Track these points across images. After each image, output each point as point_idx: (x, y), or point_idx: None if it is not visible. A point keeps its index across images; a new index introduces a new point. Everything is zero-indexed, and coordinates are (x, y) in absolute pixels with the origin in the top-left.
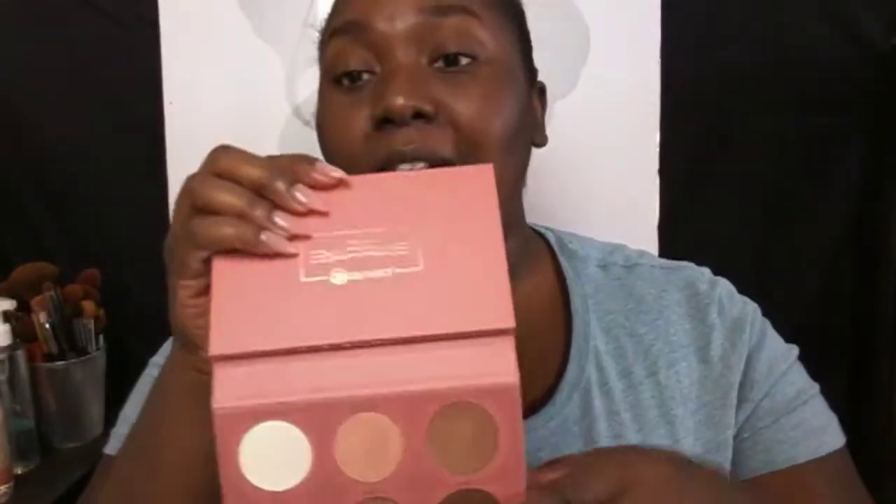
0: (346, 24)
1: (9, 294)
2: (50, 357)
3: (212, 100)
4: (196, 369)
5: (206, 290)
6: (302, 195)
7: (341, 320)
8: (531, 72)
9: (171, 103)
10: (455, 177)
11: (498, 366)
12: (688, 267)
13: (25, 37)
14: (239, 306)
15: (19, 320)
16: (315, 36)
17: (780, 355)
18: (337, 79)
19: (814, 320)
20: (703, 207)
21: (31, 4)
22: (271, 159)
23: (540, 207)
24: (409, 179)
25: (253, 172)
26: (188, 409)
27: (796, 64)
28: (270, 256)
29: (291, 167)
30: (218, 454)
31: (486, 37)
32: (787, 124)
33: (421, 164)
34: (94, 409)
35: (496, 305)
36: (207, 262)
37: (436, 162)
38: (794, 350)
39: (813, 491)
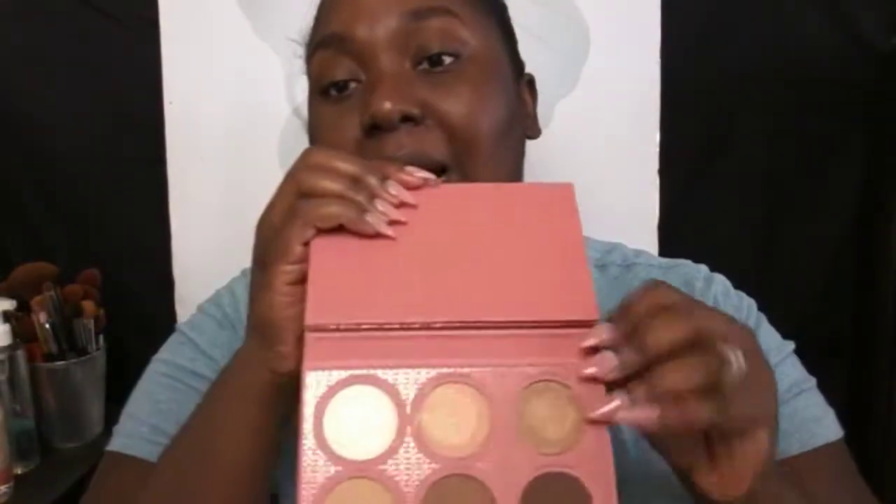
0: (329, 37)
1: (9, 294)
2: (50, 357)
3: (212, 100)
4: (270, 369)
5: (301, 279)
6: (393, 189)
7: (433, 302)
8: (517, 65)
9: (171, 103)
10: (537, 190)
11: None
12: (685, 264)
13: (26, 37)
14: (335, 283)
15: (19, 320)
16: None
17: (774, 348)
18: (324, 90)
19: (814, 320)
20: (703, 207)
21: (31, 4)
22: (362, 160)
23: None
24: (496, 190)
25: (348, 167)
26: (254, 412)
27: (796, 64)
28: (367, 240)
29: (381, 166)
30: (300, 420)
31: (468, 35)
32: (787, 124)
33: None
34: (94, 409)
35: (582, 299)
36: (306, 249)
37: (429, 166)
38: (790, 345)
39: (806, 482)
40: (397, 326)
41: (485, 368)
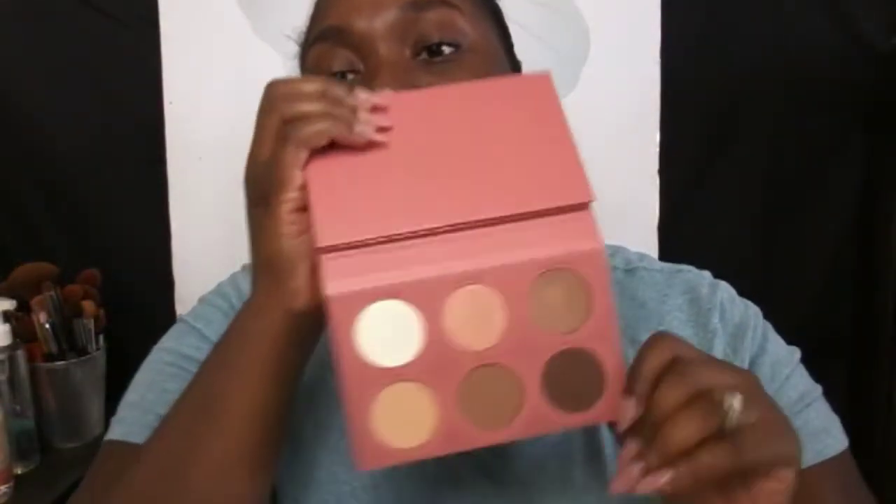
0: (326, 31)
1: (9, 294)
2: (50, 357)
3: (212, 100)
4: (284, 308)
5: (304, 207)
6: (362, 94)
7: (435, 207)
8: (514, 63)
9: (171, 103)
10: (514, 81)
11: (585, 234)
12: (689, 270)
13: (25, 37)
14: (337, 202)
15: (19, 320)
16: None
17: (783, 359)
18: None
19: (814, 320)
20: (703, 207)
21: (31, 4)
22: (320, 76)
23: None
24: (473, 87)
25: (315, 86)
26: (268, 359)
27: (796, 64)
28: (359, 156)
29: (340, 81)
30: (333, 339)
31: (468, 26)
32: (787, 124)
33: None
34: (94, 409)
35: (575, 183)
36: (303, 174)
37: None
38: (797, 353)
39: (818, 495)
40: (406, 235)
41: (495, 260)
